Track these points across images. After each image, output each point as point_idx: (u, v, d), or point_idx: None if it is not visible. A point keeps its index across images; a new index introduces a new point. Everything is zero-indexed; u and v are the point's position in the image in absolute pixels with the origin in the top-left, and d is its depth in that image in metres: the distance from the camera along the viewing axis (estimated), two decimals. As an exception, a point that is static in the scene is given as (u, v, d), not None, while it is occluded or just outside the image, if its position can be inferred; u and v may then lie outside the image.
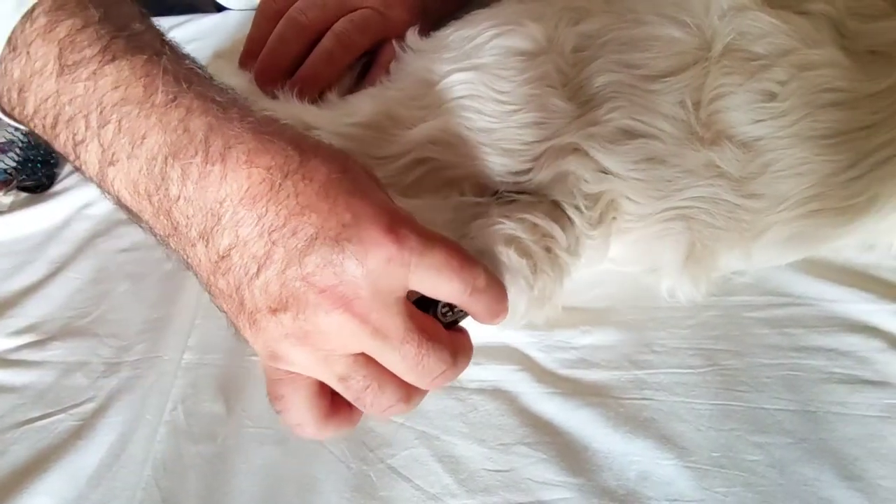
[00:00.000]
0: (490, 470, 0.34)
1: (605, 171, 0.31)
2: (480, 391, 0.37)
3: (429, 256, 0.25)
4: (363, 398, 0.27)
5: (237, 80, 0.41)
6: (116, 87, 0.24)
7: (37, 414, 0.40)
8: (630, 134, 0.31)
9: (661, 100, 0.31)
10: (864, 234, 0.36)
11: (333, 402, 0.28)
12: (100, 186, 0.27)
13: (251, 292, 0.25)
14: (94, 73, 0.25)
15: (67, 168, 0.54)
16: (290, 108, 0.36)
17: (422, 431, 0.36)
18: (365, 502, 0.34)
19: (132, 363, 0.41)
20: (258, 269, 0.25)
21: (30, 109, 0.26)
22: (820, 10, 0.34)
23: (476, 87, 0.31)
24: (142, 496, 0.36)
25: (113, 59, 0.25)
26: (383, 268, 0.24)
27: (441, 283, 0.26)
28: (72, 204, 0.51)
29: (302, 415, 0.28)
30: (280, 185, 0.24)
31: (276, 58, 0.42)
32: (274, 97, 0.38)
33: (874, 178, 0.32)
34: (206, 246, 0.25)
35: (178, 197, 0.25)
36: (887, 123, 0.31)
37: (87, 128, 0.25)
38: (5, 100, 0.27)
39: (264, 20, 0.44)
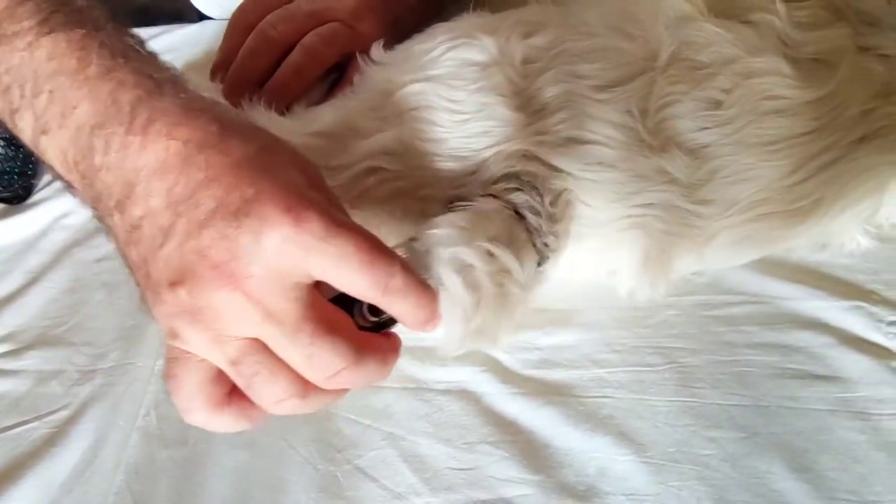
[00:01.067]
0: (454, 468, 0.35)
1: (557, 170, 0.31)
2: (446, 392, 0.38)
3: (332, 243, 0.24)
4: (253, 386, 0.25)
5: (207, 93, 0.42)
6: (51, 59, 0.25)
7: (11, 422, 0.40)
8: (579, 141, 0.32)
9: (609, 109, 0.32)
10: (814, 236, 0.38)
11: (233, 394, 0.27)
12: (39, 157, 0.27)
13: (156, 264, 0.25)
14: (29, 44, 0.25)
15: (45, 179, 0.55)
16: (254, 118, 0.37)
17: (388, 432, 0.37)
18: (332, 502, 0.35)
19: (106, 370, 0.42)
20: (163, 241, 0.24)
21: None
22: (764, 20, 0.35)
23: (430, 97, 0.32)
24: (114, 500, 0.36)
25: (50, 32, 0.25)
26: (279, 247, 0.23)
27: (346, 275, 0.25)
28: (48, 215, 0.52)
29: (191, 398, 0.26)
30: (193, 158, 0.24)
31: (246, 71, 0.43)
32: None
33: (818, 181, 0.33)
34: (121, 215, 0.25)
35: (101, 167, 0.25)
36: (828, 129, 0.33)
37: (21, 97, 0.25)
38: None
39: (236, 33, 0.45)
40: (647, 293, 0.37)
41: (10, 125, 0.27)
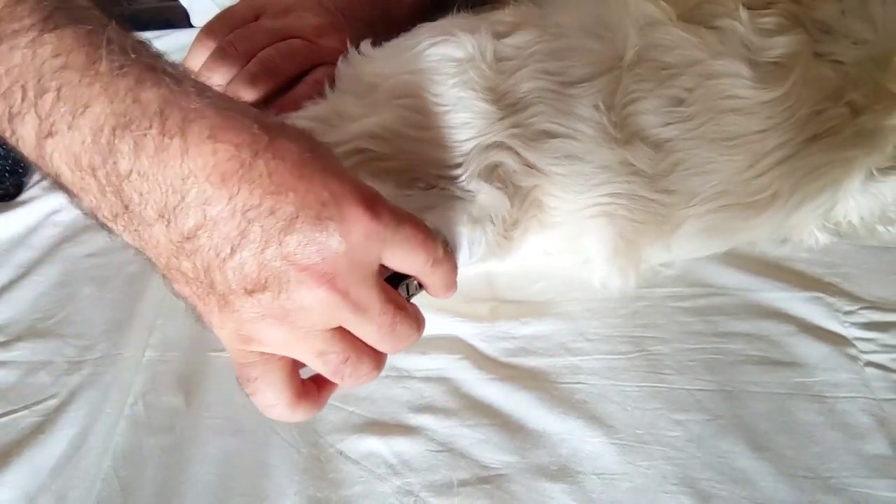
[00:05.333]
0: (433, 451, 0.36)
1: (529, 166, 0.33)
2: (426, 379, 0.39)
3: (401, 231, 0.27)
4: (342, 370, 0.27)
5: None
6: (57, 56, 0.23)
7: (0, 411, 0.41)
8: (550, 134, 0.34)
9: (577, 103, 0.34)
10: (775, 230, 0.40)
11: (303, 385, 0.29)
12: (36, 164, 0.25)
13: (223, 274, 0.24)
14: (32, 41, 0.23)
15: (35, 177, 0.56)
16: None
17: (370, 418, 0.38)
18: (314, 484, 0.36)
19: (94, 361, 0.43)
20: (232, 250, 0.24)
21: None
22: (728, 25, 0.37)
23: (413, 89, 0.34)
24: (101, 486, 0.37)
25: (55, 28, 0.23)
26: (362, 243, 0.25)
27: (409, 257, 0.27)
28: (39, 211, 0.53)
29: (276, 396, 0.28)
30: (251, 163, 0.23)
31: None
32: None
33: (773, 176, 0.35)
34: (166, 226, 0.24)
35: (130, 172, 0.23)
36: (781, 127, 0.35)
37: (23, 98, 0.23)
38: None
39: (199, 50, 0.44)
40: (618, 283, 0.39)
41: (6, 134, 0.24)
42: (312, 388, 0.30)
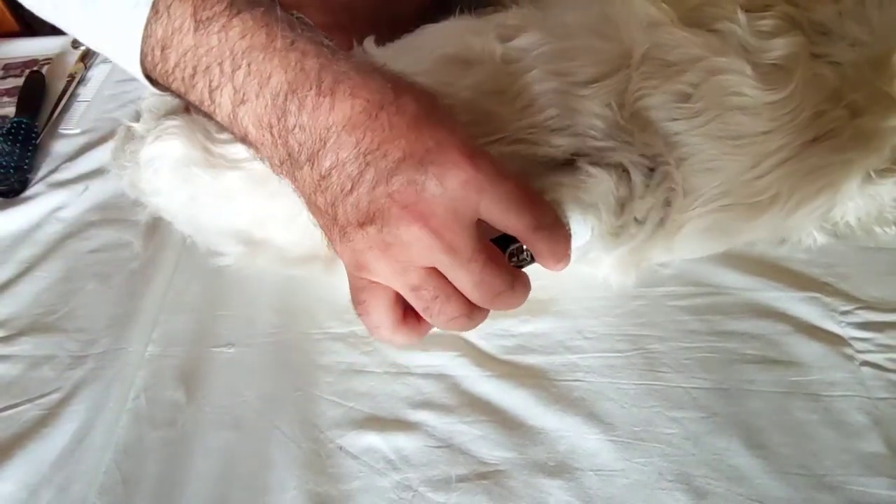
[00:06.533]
0: (431, 446, 0.36)
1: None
2: (426, 375, 0.40)
3: (501, 186, 0.28)
4: (431, 307, 0.30)
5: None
6: (243, 37, 0.28)
7: (2, 405, 0.41)
8: (567, 133, 0.34)
9: (590, 103, 0.34)
10: (773, 230, 0.40)
11: (405, 315, 0.31)
12: (229, 128, 0.30)
13: (344, 208, 0.28)
14: (223, 26, 0.28)
15: (40, 174, 0.56)
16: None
17: (370, 413, 0.38)
18: (314, 478, 0.36)
19: (97, 356, 0.43)
20: (352, 187, 0.28)
21: (171, 64, 0.29)
22: (727, 28, 0.38)
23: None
24: (103, 479, 0.38)
25: (238, 13, 0.28)
26: (459, 189, 0.27)
27: (509, 214, 0.28)
28: (43, 208, 0.53)
29: (380, 318, 0.31)
30: (376, 115, 0.27)
31: None
32: None
33: (774, 178, 0.36)
34: (311, 167, 0.28)
35: (294, 126, 0.28)
36: (784, 129, 0.35)
37: (221, 74, 0.28)
38: (149, 59, 0.30)
39: None
40: (619, 280, 0.39)
41: (206, 103, 0.30)
42: (413, 319, 0.32)
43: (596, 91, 0.36)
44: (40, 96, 0.63)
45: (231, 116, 0.29)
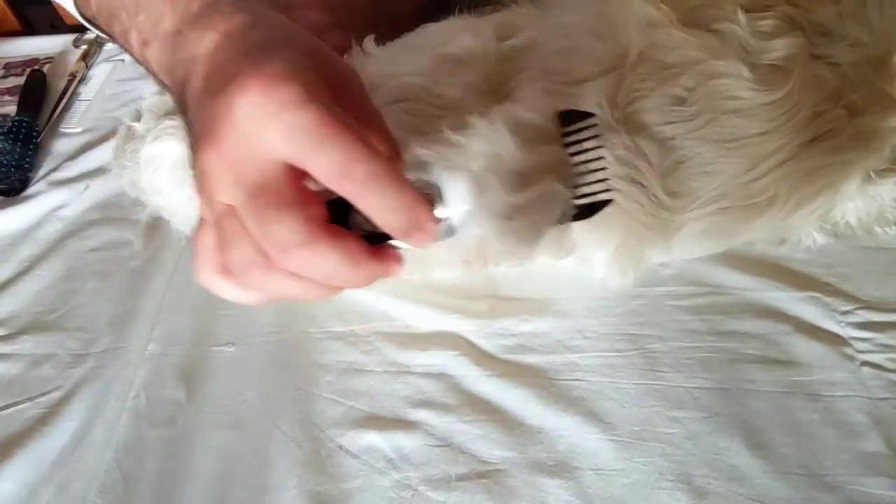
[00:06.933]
0: (431, 445, 0.36)
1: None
2: (426, 375, 0.40)
3: (294, 113, 0.23)
4: (224, 249, 0.25)
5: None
6: None
7: (3, 403, 0.42)
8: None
9: (581, 102, 0.34)
10: (773, 231, 0.40)
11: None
12: (149, 71, 0.31)
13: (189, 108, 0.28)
14: None
15: (40, 172, 0.56)
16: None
17: (370, 412, 0.38)
18: (314, 477, 0.36)
19: (98, 354, 0.43)
20: (193, 122, 0.27)
21: (93, 9, 0.32)
22: (727, 28, 0.38)
23: (414, 90, 0.34)
24: (103, 478, 0.38)
25: None
26: (248, 112, 0.23)
27: (305, 150, 0.23)
28: (44, 207, 0.53)
29: (198, 260, 0.26)
30: (225, 46, 0.26)
31: None
32: None
33: (772, 179, 0.36)
34: (183, 108, 0.28)
35: (176, 63, 0.28)
36: (780, 131, 0.35)
37: (127, 17, 0.30)
38: (79, 3, 0.33)
39: None
40: (617, 281, 0.39)
41: (126, 46, 0.31)
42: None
43: (586, 89, 0.36)
44: (41, 95, 0.64)
45: (142, 58, 0.30)
